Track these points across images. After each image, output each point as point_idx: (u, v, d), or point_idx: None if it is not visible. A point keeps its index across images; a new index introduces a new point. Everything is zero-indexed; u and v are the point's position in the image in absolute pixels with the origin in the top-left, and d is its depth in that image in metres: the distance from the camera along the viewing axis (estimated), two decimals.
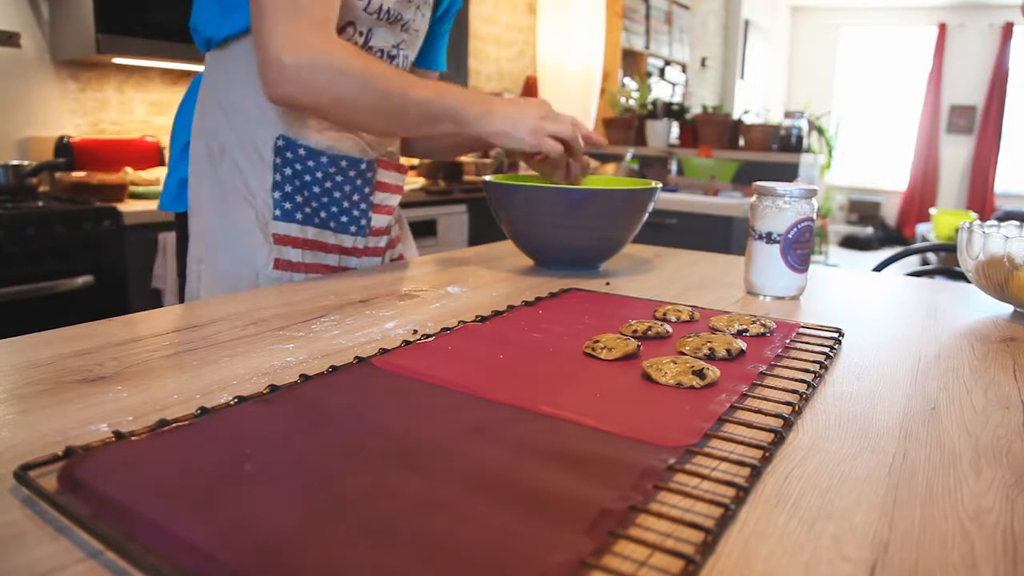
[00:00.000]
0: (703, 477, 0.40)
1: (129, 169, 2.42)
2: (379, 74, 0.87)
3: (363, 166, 1.01)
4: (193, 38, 0.98)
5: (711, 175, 3.42)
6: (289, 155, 0.95)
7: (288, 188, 0.96)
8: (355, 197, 1.01)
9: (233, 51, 0.94)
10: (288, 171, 0.95)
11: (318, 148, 0.96)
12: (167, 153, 2.66)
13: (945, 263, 3.87)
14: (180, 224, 1.02)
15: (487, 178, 1.02)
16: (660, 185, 1.04)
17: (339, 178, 0.99)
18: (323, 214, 0.99)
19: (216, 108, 0.95)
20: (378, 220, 1.06)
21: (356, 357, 0.58)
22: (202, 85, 0.97)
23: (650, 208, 1.01)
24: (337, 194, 0.99)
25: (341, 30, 0.93)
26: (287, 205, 0.96)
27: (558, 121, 0.96)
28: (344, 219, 1.01)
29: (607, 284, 0.94)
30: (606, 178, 1.15)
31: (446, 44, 1.17)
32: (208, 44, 0.96)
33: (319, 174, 0.97)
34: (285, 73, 0.83)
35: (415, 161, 3.18)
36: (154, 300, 2.16)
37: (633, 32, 5.15)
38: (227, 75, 0.95)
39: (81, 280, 1.99)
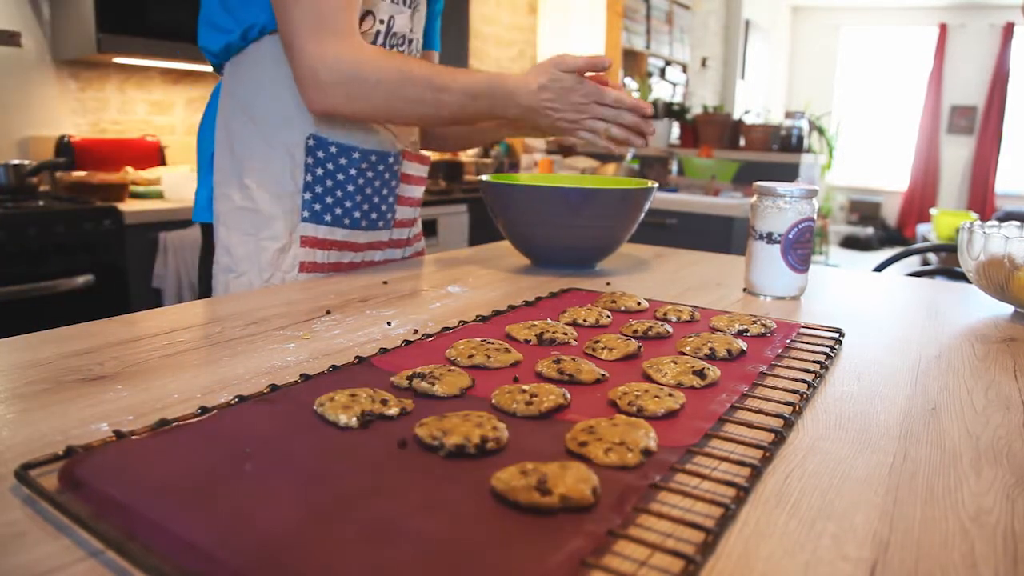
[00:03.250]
0: (703, 477, 0.40)
1: (130, 169, 2.42)
2: (411, 76, 0.88)
3: (391, 159, 1.02)
4: (208, 59, 0.98)
5: (711, 175, 3.42)
6: (321, 154, 0.95)
7: (319, 189, 0.96)
8: (384, 191, 1.02)
9: (251, 57, 0.94)
10: (319, 171, 0.96)
11: (349, 144, 0.97)
12: (168, 153, 2.66)
13: (945, 263, 3.87)
14: (204, 236, 1.02)
15: (484, 178, 1.02)
16: (656, 184, 1.04)
17: (370, 173, 1.00)
18: (356, 213, 1.00)
19: (240, 116, 0.95)
20: (403, 212, 1.07)
21: (356, 357, 0.58)
22: (222, 96, 0.97)
23: (646, 207, 1.02)
24: (368, 190, 1.00)
25: (361, 20, 0.93)
26: (316, 207, 0.96)
27: (570, 97, 0.93)
28: (374, 215, 1.02)
29: (607, 284, 0.94)
30: (603, 178, 1.16)
31: (439, 25, 1.17)
32: (226, 54, 0.95)
33: (352, 171, 0.98)
34: (323, 89, 0.86)
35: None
36: (154, 300, 2.16)
37: (634, 32, 5.15)
38: (248, 82, 0.94)
39: (81, 280, 1.99)
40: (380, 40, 0.97)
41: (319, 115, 0.91)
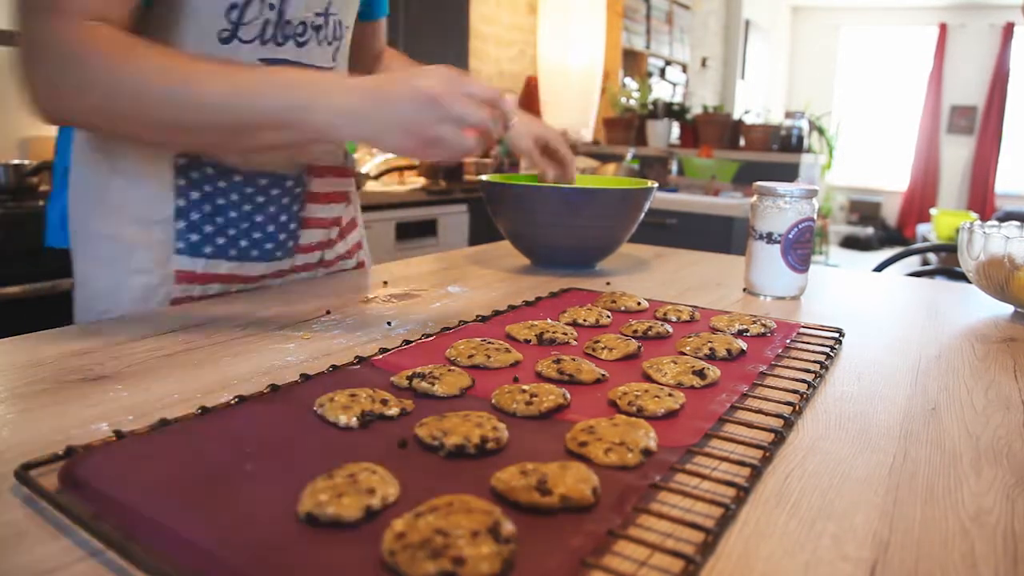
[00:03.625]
0: (703, 477, 0.40)
1: None
2: (152, 67, 0.64)
3: (289, 183, 0.85)
4: None
5: (711, 175, 3.42)
6: (195, 175, 0.78)
7: (195, 216, 0.79)
8: (282, 218, 0.85)
9: None
10: (195, 194, 0.79)
11: (230, 165, 0.80)
12: None
13: (945, 263, 3.87)
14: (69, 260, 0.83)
15: (483, 178, 1.02)
16: (656, 184, 1.04)
17: (260, 198, 0.82)
18: (243, 242, 0.83)
19: None
20: (309, 236, 0.90)
21: (356, 357, 0.58)
22: None
23: (646, 207, 1.02)
24: (259, 218, 0.83)
25: (245, 6, 0.74)
26: (193, 237, 0.80)
27: (462, 109, 0.64)
28: (269, 245, 0.85)
29: (607, 284, 0.94)
30: (603, 178, 1.16)
31: None
32: None
33: (234, 196, 0.81)
34: (31, 80, 0.65)
35: (416, 160, 3.15)
36: None
37: (634, 32, 5.15)
38: None
39: None
40: (269, 31, 0.76)
41: (45, 121, 0.68)
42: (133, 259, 0.78)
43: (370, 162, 3.16)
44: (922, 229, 7.03)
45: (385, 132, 0.65)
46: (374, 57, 1.05)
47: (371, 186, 2.96)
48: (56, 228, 0.82)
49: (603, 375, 0.55)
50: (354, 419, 0.45)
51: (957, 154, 8.25)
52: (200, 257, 0.81)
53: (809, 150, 3.72)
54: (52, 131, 0.80)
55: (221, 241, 0.81)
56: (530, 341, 0.64)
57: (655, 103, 4.08)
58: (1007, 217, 6.83)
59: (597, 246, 1.01)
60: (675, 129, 4.04)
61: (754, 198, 0.89)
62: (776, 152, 3.61)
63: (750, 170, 3.49)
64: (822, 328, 0.72)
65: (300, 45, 0.79)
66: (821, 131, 4.70)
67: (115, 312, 0.77)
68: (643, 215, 1.02)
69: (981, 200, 8.02)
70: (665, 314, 0.75)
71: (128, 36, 0.66)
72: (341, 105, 0.64)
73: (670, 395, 0.49)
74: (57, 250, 0.82)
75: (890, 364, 0.64)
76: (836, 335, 0.70)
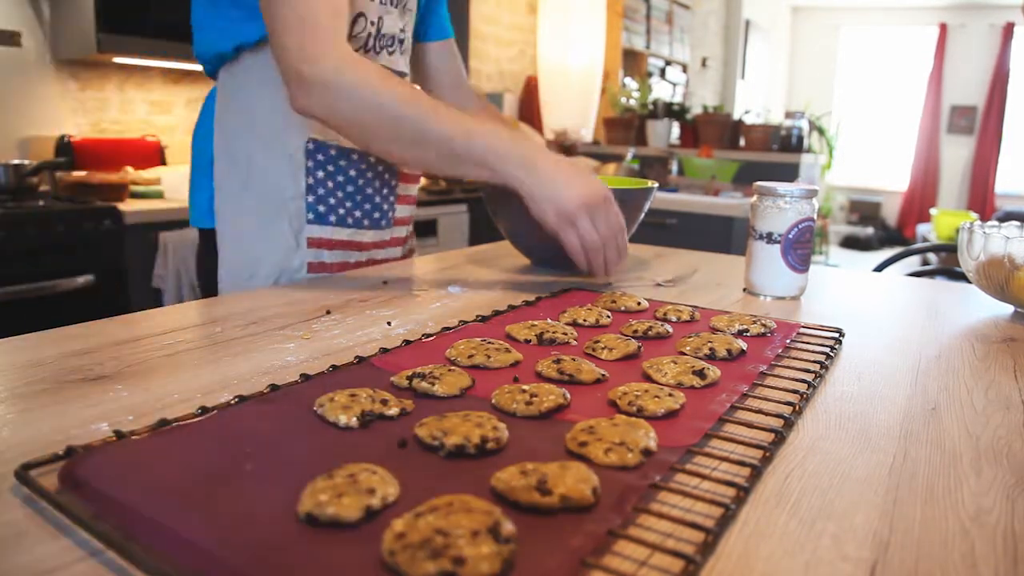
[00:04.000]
0: (703, 477, 0.40)
1: (130, 168, 2.42)
2: (394, 96, 0.82)
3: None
4: (203, 67, 0.97)
5: (711, 175, 3.42)
6: (320, 157, 0.95)
7: (321, 191, 0.96)
8: (384, 191, 1.03)
9: (248, 63, 0.93)
10: (320, 173, 0.96)
11: (348, 146, 0.97)
12: (168, 153, 2.66)
13: (945, 263, 3.87)
14: (203, 240, 1.01)
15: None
16: (656, 185, 1.04)
17: (370, 174, 1.00)
18: (357, 213, 1.00)
19: (238, 122, 0.94)
20: (401, 210, 1.08)
21: (357, 357, 0.58)
22: (219, 101, 0.96)
23: (646, 208, 1.01)
24: (369, 190, 1.00)
25: (353, 22, 0.91)
26: (321, 208, 0.96)
27: (595, 219, 0.83)
28: (376, 215, 1.02)
29: (608, 284, 0.94)
30: (604, 177, 1.15)
31: (445, 11, 1.15)
32: (219, 61, 0.94)
33: (352, 172, 0.98)
34: (304, 87, 0.82)
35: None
36: (154, 300, 2.16)
37: (634, 32, 5.15)
38: (246, 88, 0.94)
39: (81, 279, 1.99)
40: (371, 42, 0.96)
41: (300, 114, 0.86)
42: (274, 230, 0.95)
43: None
44: (922, 229, 7.04)
45: (545, 201, 0.82)
46: (453, 83, 1.18)
47: None
48: (204, 211, 0.99)
49: (603, 375, 0.55)
50: (354, 419, 0.45)
51: (957, 154, 8.25)
52: (327, 225, 0.97)
53: (809, 150, 3.72)
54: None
55: (342, 211, 0.98)
56: (530, 341, 0.64)
57: (655, 103, 4.08)
58: (1007, 217, 6.84)
59: None
60: (675, 129, 4.04)
61: (754, 198, 0.89)
62: (776, 152, 3.61)
63: (750, 170, 3.49)
64: (822, 328, 0.72)
65: (390, 55, 0.99)
66: (821, 131, 4.70)
67: (258, 277, 0.95)
68: (644, 215, 1.02)
69: (981, 200, 8.02)
70: (665, 314, 0.75)
71: (377, 67, 0.84)
72: (542, 171, 0.82)
73: (670, 395, 0.49)
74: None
75: (890, 364, 0.64)
76: (836, 335, 0.70)
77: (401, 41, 1.01)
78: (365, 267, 1.03)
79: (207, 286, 1.00)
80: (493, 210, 1.02)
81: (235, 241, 0.96)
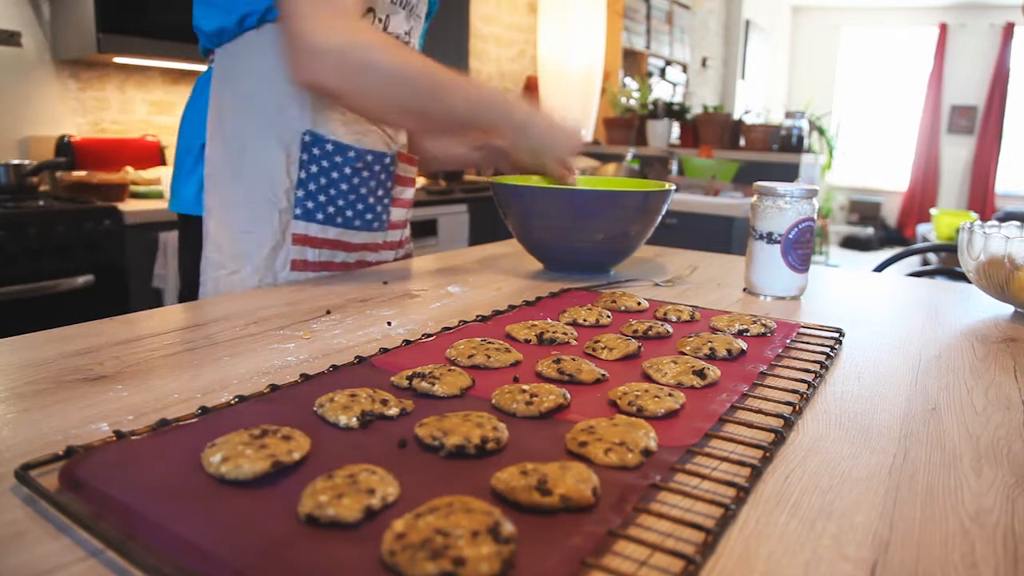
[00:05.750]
0: (703, 477, 0.40)
1: (130, 168, 2.42)
2: (411, 66, 0.85)
3: (387, 160, 1.01)
4: (199, 39, 0.95)
5: (712, 175, 3.42)
6: (316, 151, 0.93)
7: (312, 186, 0.94)
8: (379, 192, 1.01)
9: (248, 45, 0.90)
10: (314, 168, 0.94)
11: (346, 143, 0.95)
12: (169, 153, 2.66)
13: (946, 263, 3.87)
14: (187, 227, 0.98)
15: (494, 179, 1.00)
16: (675, 187, 1.01)
17: (365, 173, 0.98)
18: (348, 212, 0.98)
19: (234, 105, 0.92)
20: (396, 214, 1.07)
21: (357, 357, 0.58)
22: (214, 84, 0.93)
23: (664, 211, 0.98)
24: (363, 190, 0.99)
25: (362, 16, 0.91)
26: (309, 204, 0.95)
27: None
28: (368, 216, 1.00)
29: (609, 284, 0.94)
30: (615, 179, 1.13)
31: (426, 28, 1.17)
32: (218, 38, 0.91)
33: (347, 170, 0.96)
34: (315, 56, 0.81)
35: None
36: (154, 300, 2.16)
37: (634, 32, 5.15)
38: (244, 70, 0.91)
39: (81, 279, 1.99)
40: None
41: (303, 86, 0.85)
42: (261, 224, 0.93)
43: None
44: (922, 229, 7.03)
45: (523, 136, 0.95)
46: None
47: None
48: (192, 198, 0.96)
49: (603, 375, 0.55)
50: (354, 419, 0.45)
51: (957, 154, 8.25)
52: (313, 222, 0.96)
53: (809, 150, 3.72)
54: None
55: (331, 209, 0.97)
56: (530, 341, 0.64)
57: (655, 103, 4.08)
58: (1007, 217, 6.83)
59: (612, 250, 0.98)
60: (675, 129, 4.04)
61: (754, 198, 0.89)
62: (776, 152, 3.61)
63: (750, 170, 3.50)
64: (822, 328, 0.72)
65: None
66: (821, 131, 4.70)
67: (242, 272, 0.92)
68: (660, 218, 0.99)
69: (981, 200, 8.01)
70: (665, 314, 0.75)
71: (390, 37, 0.88)
72: (536, 123, 0.96)
73: (670, 395, 0.49)
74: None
75: (890, 364, 0.64)
76: (836, 335, 0.70)
77: (406, 44, 1.01)
78: (353, 268, 1.01)
79: (188, 277, 0.98)
80: (503, 212, 1.00)
81: (222, 236, 0.93)
